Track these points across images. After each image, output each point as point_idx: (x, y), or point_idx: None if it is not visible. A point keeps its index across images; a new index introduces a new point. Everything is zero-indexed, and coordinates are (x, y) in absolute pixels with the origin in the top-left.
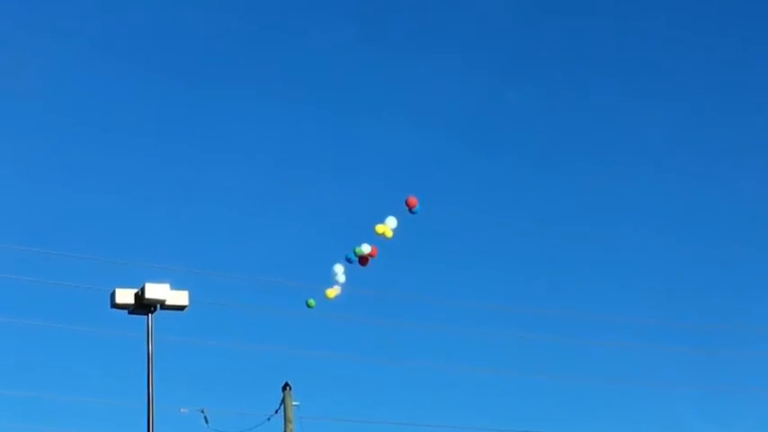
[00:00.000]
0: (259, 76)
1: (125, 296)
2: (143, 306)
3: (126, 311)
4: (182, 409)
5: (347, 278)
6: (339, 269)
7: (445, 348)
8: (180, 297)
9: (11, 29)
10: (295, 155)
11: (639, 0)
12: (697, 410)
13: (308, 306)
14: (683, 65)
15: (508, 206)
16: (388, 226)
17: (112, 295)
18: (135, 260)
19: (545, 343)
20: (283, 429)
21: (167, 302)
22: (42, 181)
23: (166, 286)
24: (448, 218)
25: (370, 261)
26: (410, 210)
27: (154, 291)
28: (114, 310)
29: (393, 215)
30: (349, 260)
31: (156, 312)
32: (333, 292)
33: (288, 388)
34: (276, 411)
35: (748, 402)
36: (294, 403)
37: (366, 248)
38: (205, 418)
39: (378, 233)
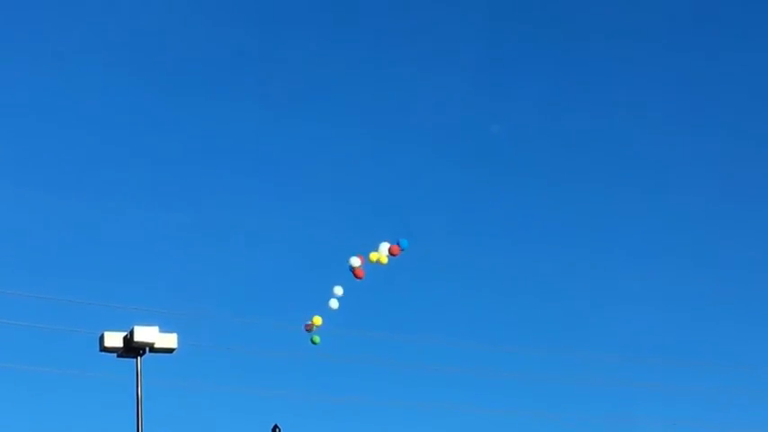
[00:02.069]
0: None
1: (114, 339)
2: (132, 349)
3: (115, 355)
4: None
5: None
6: (339, 291)
7: (436, 389)
8: (169, 340)
9: None
10: (281, 194)
11: (626, 29)
12: None
13: (313, 343)
14: (669, 91)
15: (495, 240)
16: (383, 253)
17: (101, 338)
18: (123, 303)
19: (539, 384)
20: None
21: (156, 345)
22: (31, 224)
23: (155, 329)
24: (436, 253)
25: (364, 274)
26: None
27: (142, 334)
28: (103, 353)
29: (384, 243)
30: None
31: (144, 355)
32: (318, 320)
33: (277, 430)
34: None
35: None
36: None
37: (355, 261)
38: None
39: (372, 261)
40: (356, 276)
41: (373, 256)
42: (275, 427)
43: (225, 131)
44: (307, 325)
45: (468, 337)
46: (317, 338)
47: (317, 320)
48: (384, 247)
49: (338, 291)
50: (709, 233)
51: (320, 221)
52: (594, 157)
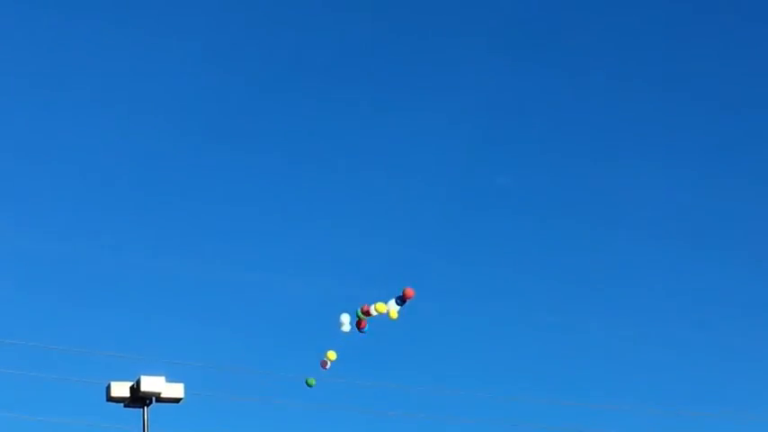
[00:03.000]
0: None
1: (121, 389)
2: (139, 399)
3: (122, 404)
4: None
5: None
6: (345, 319)
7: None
8: (176, 390)
9: None
10: (287, 245)
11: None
12: None
13: (308, 385)
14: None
15: (500, 292)
16: (392, 308)
17: (108, 388)
18: (130, 353)
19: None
20: None
21: (163, 395)
22: (37, 270)
23: (162, 379)
24: (435, 307)
25: (366, 326)
26: (408, 299)
27: (149, 384)
28: (110, 403)
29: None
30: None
31: (151, 405)
32: (333, 355)
33: None
34: None
35: None
36: None
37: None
38: None
39: (380, 311)
40: (363, 319)
41: (380, 307)
42: None
43: (234, 181)
44: (322, 361)
45: (479, 385)
46: (312, 381)
47: (332, 355)
48: (393, 305)
49: (345, 320)
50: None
51: (326, 270)
52: (602, 204)
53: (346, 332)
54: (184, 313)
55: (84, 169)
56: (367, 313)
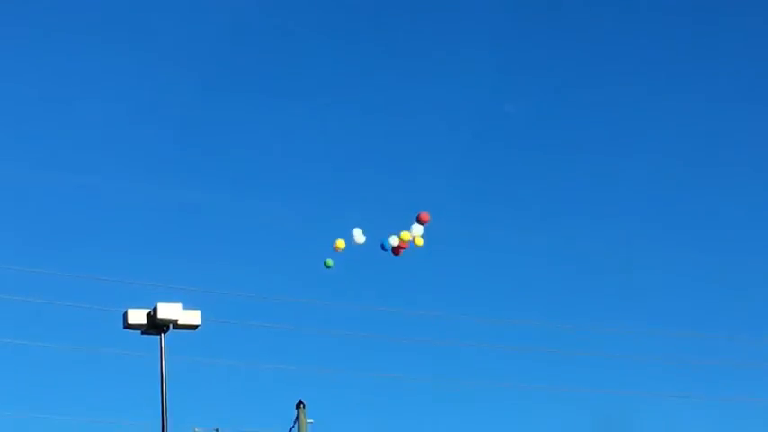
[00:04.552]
0: (278, 107)
1: (137, 316)
2: (155, 326)
3: (138, 332)
4: (196, 429)
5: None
6: (358, 232)
7: (460, 363)
8: (192, 316)
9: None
10: (304, 174)
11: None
12: None
13: (326, 266)
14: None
15: (512, 215)
16: (416, 233)
17: (125, 316)
18: (147, 280)
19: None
20: None
21: (180, 322)
22: (54, 203)
23: (179, 306)
24: (456, 230)
25: (402, 251)
26: (424, 224)
27: (166, 311)
28: (127, 330)
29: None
30: (383, 247)
31: (168, 332)
32: (341, 243)
33: (302, 406)
34: (290, 429)
35: None
36: (308, 421)
37: (394, 240)
38: None
39: (405, 239)
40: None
41: (405, 235)
42: (300, 402)
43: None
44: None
45: (486, 311)
46: (329, 262)
47: (341, 244)
48: (417, 228)
49: (357, 233)
50: None
51: (341, 201)
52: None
53: (360, 243)
54: (201, 241)
55: (96, 104)
56: (398, 250)
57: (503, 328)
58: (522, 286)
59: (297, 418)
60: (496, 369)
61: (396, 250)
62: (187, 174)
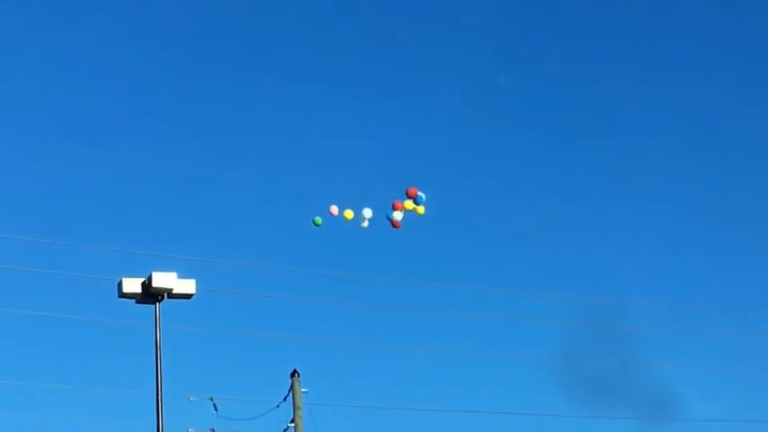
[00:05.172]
0: (270, 72)
1: (132, 285)
2: (150, 295)
3: (133, 301)
4: (190, 398)
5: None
6: (368, 213)
7: (455, 333)
8: (187, 285)
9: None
10: (300, 144)
11: None
12: None
13: (315, 224)
14: (679, 45)
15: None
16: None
17: (119, 285)
18: (141, 249)
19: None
20: (292, 416)
21: (174, 291)
22: (49, 171)
23: (173, 275)
24: (452, 203)
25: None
26: (412, 199)
27: (161, 280)
28: (121, 299)
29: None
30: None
31: (163, 301)
32: (350, 213)
33: (296, 375)
34: (285, 398)
35: None
36: (303, 390)
37: (398, 215)
38: (214, 405)
39: (407, 209)
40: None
41: (408, 204)
42: (294, 371)
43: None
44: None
45: (483, 283)
46: (318, 219)
47: (349, 214)
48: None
49: (367, 215)
50: None
51: (340, 170)
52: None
53: (365, 228)
54: (195, 209)
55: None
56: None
57: (494, 298)
58: (510, 257)
59: (291, 387)
60: (487, 337)
61: (395, 223)
62: (183, 144)
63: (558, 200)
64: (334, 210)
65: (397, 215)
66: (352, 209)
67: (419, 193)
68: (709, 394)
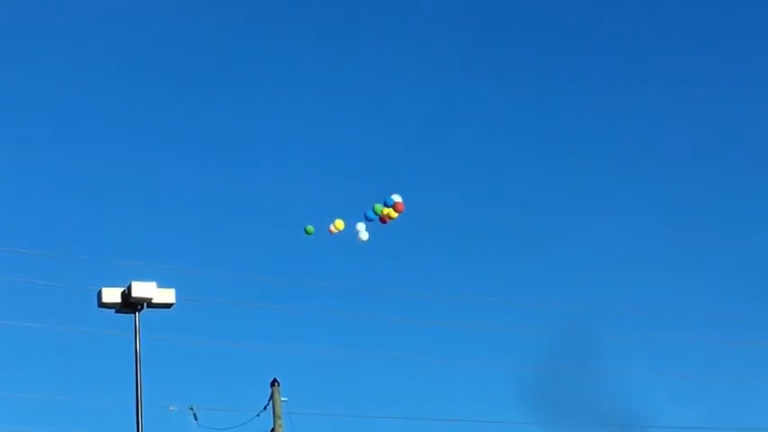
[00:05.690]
0: (250, 80)
1: (112, 295)
2: (130, 305)
3: (113, 310)
4: (171, 407)
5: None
6: (361, 227)
7: (434, 342)
8: (167, 295)
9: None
10: (280, 153)
11: None
12: None
13: (307, 233)
14: (658, 48)
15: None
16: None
17: (99, 294)
18: (121, 259)
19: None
20: (272, 425)
21: (154, 300)
22: (28, 181)
23: (153, 284)
24: (431, 210)
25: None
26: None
27: (140, 289)
28: (101, 309)
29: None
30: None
31: (143, 311)
32: (341, 224)
33: (276, 384)
34: (265, 407)
35: None
36: (283, 399)
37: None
38: (194, 415)
39: (383, 213)
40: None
41: (382, 209)
42: (274, 380)
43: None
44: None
45: (460, 292)
46: (310, 228)
47: (339, 224)
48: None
49: (361, 229)
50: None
51: (313, 183)
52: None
53: (364, 240)
54: (175, 218)
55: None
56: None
57: (471, 305)
58: (490, 265)
59: (271, 396)
60: (465, 346)
61: (382, 219)
62: (161, 154)
63: (533, 209)
64: (334, 228)
65: (397, 197)
66: (342, 220)
67: (393, 199)
68: (682, 404)
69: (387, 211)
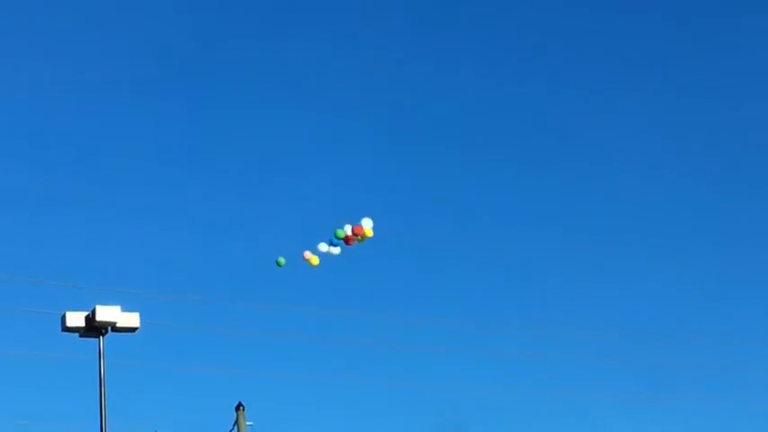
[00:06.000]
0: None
1: (76, 319)
2: (94, 329)
3: (77, 334)
4: None
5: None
6: (326, 247)
7: (400, 364)
8: (131, 319)
9: None
10: (246, 172)
11: None
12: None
13: (278, 265)
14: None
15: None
16: (367, 226)
17: (63, 318)
18: (85, 283)
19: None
20: None
21: (118, 324)
22: None
23: (117, 308)
24: (405, 229)
25: (354, 240)
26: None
27: (104, 313)
28: (65, 333)
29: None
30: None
31: (107, 335)
32: (316, 259)
33: (241, 408)
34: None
35: None
36: (248, 423)
37: (347, 229)
38: None
39: (347, 236)
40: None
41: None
42: (239, 404)
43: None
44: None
45: (430, 313)
46: (281, 260)
47: (315, 260)
48: (367, 221)
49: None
50: None
51: (280, 204)
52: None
53: (315, 265)
54: (138, 242)
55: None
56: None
57: (441, 328)
58: (458, 289)
59: (236, 421)
60: (440, 369)
61: (347, 240)
62: (124, 177)
63: (508, 225)
64: (309, 255)
65: (366, 223)
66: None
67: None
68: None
69: (348, 233)
